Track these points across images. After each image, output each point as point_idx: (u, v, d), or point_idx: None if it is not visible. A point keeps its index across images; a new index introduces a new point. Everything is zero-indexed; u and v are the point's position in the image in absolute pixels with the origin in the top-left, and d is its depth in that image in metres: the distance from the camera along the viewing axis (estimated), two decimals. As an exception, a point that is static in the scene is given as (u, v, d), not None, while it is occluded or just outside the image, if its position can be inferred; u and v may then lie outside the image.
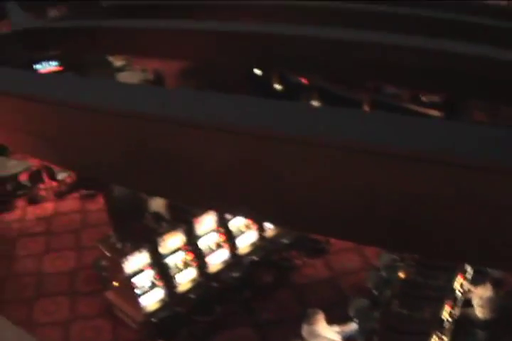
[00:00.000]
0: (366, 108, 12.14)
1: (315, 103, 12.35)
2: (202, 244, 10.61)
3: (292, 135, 3.15)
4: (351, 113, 3.62)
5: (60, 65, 16.76)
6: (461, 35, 8.18)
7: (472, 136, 2.77)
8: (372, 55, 8.10)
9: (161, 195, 7.72)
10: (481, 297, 9.37)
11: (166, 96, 4.42)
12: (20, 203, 15.35)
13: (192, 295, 10.34)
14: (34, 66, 16.64)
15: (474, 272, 9.79)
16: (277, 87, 13.38)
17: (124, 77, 15.61)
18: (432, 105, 12.73)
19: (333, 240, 11.67)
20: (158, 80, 17.64)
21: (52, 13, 19.81)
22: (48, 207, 15.04)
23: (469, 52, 7.42)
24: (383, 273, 10.16)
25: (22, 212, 14.93)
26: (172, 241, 10.21)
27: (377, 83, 11.89)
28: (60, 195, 15.44)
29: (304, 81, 12.82)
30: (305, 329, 8.68)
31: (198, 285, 10.49)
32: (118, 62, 17.71)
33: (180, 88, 11.45)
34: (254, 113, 3.56)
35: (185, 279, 10.44)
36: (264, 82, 13.57)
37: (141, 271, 9.93)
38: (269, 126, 3.30)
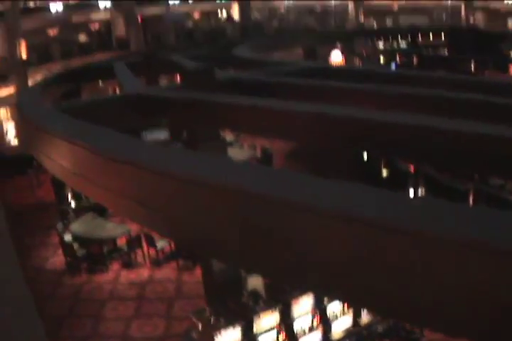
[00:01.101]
0: (471, 198, 11.97)
1: (421, 190, 12.30)
2: (296, 325, 10.46)
3: (406, 228, 3.19)
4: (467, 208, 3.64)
5: (169, 135, 17.19)
6: None
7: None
8: (481, 147, 8.05)
9: (260, 273, 7.71)
10: None
11: (276, 176, 4.52)
12: (114, 266, 15.58)
13: (277, 374, 10.19)
14: (143, 133, 17.16)
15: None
16: (384, 172, 13.41)
17: (233, 152, 15.82)
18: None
19: (426, 331, 11.36)
20: (266, 158, 17.83)
21: (164, 81, 20.56)
22: (143, 273, 15.17)
23: None
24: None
25: (115, 275, 15.13)
26: (267, 320, 10.10)
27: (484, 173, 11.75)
28: (156, 263, 15.57)
29: (411, 168, 12.81)
30: None
31: (286, 365, 10.34)
32: (227, 136, 18.03)
33: (291, 171, 11.57)
34: (368, 202, 3.62)
35: (273, 358, 10.30)
36: (371, 167, 13.61)
37: (231, 346, 9.86)
38: (383, 217, 3.35)
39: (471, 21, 78.00)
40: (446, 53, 45.77)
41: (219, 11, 49.34)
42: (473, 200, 12.04)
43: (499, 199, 12.25)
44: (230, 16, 46.94)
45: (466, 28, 63.05)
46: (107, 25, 37.70)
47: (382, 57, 36.49)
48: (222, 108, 9.34)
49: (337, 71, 13.11)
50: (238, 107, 9.16)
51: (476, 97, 9.90)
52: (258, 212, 4.11)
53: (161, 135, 17.33)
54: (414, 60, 34.28)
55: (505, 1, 75.97)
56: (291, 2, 58.62)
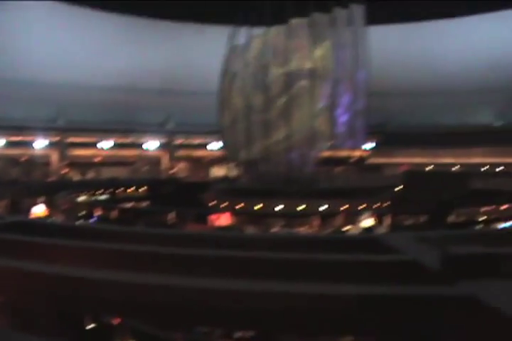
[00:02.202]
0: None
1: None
2: None
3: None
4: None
5: None
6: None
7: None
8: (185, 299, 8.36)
9: None
10: None
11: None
12: None
13: None
14: None
15: None
16: (89, 325, 13.11)
17: None
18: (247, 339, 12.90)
19: None
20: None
21: None
22: None
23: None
24: None
25: None
26: None
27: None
28: None
29: (116, 320, 12.69)
30: None
31: None
32: None
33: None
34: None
35: None
36: (76, 320, 13.28)
37: None
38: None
39: (174, 171, 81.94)
40: (147, 205, 47.22)
41: None
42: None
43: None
44: None
45: (167, 180, 66.01)
46: None
47: (84, 210, 36.62)
48: None
49: (41, 226, 12.98)
50: None
51: (183, 251, 10.31)
52: None
53: None
54: (116, 212, 34.84)
55: (209, 148, 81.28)
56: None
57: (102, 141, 74.34)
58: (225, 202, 37.64)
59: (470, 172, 59.89)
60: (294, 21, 41.57)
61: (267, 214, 33.94)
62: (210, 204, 39.00)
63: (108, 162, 75.04)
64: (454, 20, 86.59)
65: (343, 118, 40.25)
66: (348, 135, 39.61)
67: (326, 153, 39.93)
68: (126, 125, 76.87)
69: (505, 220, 38.42)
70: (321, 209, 34.82)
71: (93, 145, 74.12)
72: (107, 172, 71.54)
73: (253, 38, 43.03)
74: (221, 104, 45.48)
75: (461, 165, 72.97)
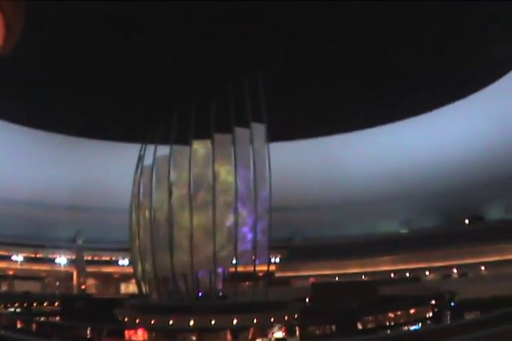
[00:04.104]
0: None
1: None
2: None
3: None
4: None
5: None
6: None
7: None
8: None
9: None
10: None
11: None
12: None
13: None
14: None
15: None
16: None
17: None
18: None
19: None
20: None
21: None
22: None
23: None
24: None
25: None
26: None
27: None
28: None
29: None
30: None
31: None
32: None
33: None
34: None
35: None
36: None
37: None
38: None
39: (84, 287, 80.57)
40: (60, 320, 46.68)
41: None
42: None
43: None
44: None
45: (78, 295, 64.85)
46: None
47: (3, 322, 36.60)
48: None
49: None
50: None
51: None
52: None
53: None
54: (35, 325, 34.68)
55: (121, 263, 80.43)
56: None
57: (14, 254, 73.88)
58: (138, 318, 37.60)
59: (377, 280, 61.65)
60: (196, 144, 42.73)
61: (179, 330, 34.06)
62: (123, 320, 38.85)
63: (20, 275, 74.21)
64: (353, 133, 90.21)
65: (248, 236, 41.08)
66: (253, 252, 40.33)
67: (234, 269, 40.69)
68: (37, 240, 76.06)
69: (414, 323, 40.11)
70: (232, 323, 35.19)
71: (6, 258, 73.77)
72: (20, 286, 70.58)
73: (159, 158, 43.91)
74: (130, 223, 45.92)
75: (369, 273, 74.85)
